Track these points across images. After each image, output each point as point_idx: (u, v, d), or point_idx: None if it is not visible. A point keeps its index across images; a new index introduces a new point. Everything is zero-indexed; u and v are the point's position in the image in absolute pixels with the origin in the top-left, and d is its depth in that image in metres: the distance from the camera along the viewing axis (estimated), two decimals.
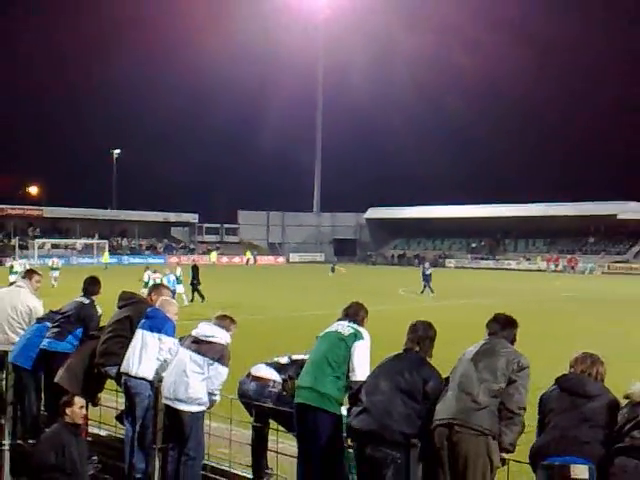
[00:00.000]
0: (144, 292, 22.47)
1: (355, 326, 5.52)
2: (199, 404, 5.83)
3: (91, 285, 7.51)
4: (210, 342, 5.91)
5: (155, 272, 26.13)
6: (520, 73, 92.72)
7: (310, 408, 5.29)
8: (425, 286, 32.49)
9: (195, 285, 26.55)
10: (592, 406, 4.23)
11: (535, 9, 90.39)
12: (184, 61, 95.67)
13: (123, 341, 6.58)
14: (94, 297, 7.45)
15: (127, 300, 7.07)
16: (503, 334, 4.92)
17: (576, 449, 4.09)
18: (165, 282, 22.65)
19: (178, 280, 25.30)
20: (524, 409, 4.62)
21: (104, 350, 6.71)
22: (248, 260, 69.96)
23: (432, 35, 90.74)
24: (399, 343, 5.28)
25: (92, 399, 6.78)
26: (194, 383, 5.78)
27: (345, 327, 5.51)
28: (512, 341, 4.95)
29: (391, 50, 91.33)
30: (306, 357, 5.82)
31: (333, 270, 52.55)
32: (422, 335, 5.09)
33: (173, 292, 23.31)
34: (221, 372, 5.88)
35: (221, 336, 6.00)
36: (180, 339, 6.23)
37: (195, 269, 27.16)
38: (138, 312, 6.69)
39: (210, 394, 5.89)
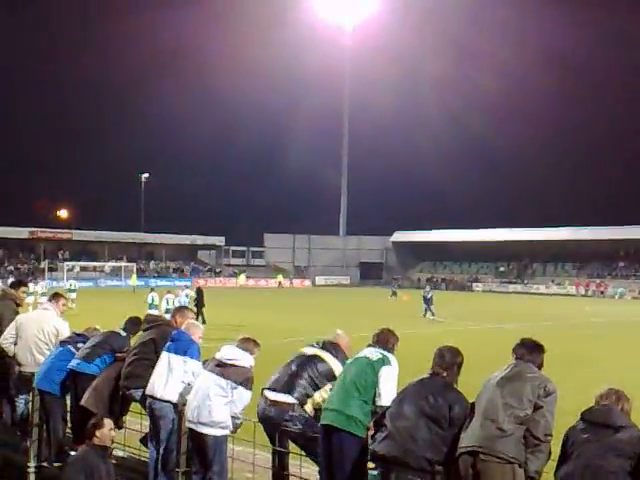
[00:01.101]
0: (150, 313, 22.95)
1: (384, 352, 5.54)
2: (222, 428, 5.81)
3: (132, 324, 7.57)
4: (234, 365, 5.91)
5: (169, 292, 26.44)
6: (550, 94, 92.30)
7: (336, 430, 5.29)
8: (426, 309, 32.63)
9: (199, 307, 26.76)
10: (618, 437, 4.15)
11: (561, 30, 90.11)
12: (211, 86, 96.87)
13: (147, 364, 6.61)
14: (132, 334, 7.52)
15: (152, 323, 7.13)
16: (530, 359, 4.83)
17: (602, 478, 4.01)
18: (177, 303, 23.32)
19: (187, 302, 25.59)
20: (551, 436, 4.53)
21: (128, 373, 6.75)
22: (280, 283, 70.22)
23: (458, 57, 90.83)
24: (423, 366, 5.24)
25: (116, 421, 6.81)
26: (217, 407, 5.77)
27: (374, 353, 5.53)
28: (539, 366, 4.86)
29: (417, 72, 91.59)
30: None
31: (395, 294, 49.80)
32: (449, 361, 5.05)
33: None
34: (245, 396, 5.87)
35: (245, 359, 5.99)
36: (204, 362, 6.24)
37: (200, 292, 27.68)
38: (162, 335, 6.73)
39: (234, 417, 5.88)
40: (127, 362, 6.83)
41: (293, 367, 6.12)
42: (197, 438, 5.87)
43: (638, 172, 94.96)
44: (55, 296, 8.56)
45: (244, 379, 5.86)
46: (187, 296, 26.94)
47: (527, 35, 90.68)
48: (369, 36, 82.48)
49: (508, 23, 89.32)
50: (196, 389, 5.96)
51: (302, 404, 5.94)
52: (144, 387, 6.46)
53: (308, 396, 5.97)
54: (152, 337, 6.84)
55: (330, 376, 6.00)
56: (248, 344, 6.18)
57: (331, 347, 6.27)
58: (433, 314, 32.11)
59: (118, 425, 6.94)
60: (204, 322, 25.90)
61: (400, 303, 45.59)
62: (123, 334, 7.46)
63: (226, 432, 5.87)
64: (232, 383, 5.82)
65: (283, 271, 78.63)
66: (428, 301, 32.97)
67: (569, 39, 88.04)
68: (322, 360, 6.11)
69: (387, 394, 5.27)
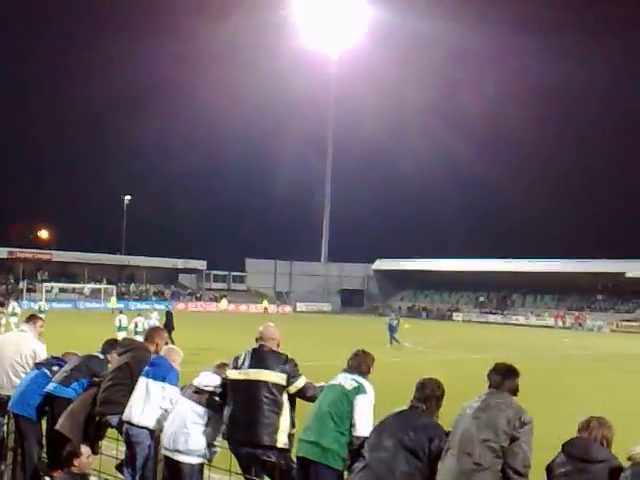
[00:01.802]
0: (119, 336, 22.97)
1: (359, 379, 5.42)
2: (199, 456, 5.74)
3: (110, 347, 7.47)
4: (212, 392, 5.85)
5: (139, 315, 26.32)
6: (529, 125, 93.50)
7: (312, 463, 5.19)
8: (391, 337, 32.52)
9: (168, 331, 26.58)
10: (596, 470, 4.15)
11: (544, 59, 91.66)
12: (196, 111, 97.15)
13: (123, 389, 6.53)
14: (109, 357, 7.40)
15: (127, 347, 7.04)
16: (504, 385, 4.79)
17: None
18: (147, 326, 23.24)
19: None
20: (529, 467, 4.51)
21: (104, 398, 6.65)
22: (266, 309, 69.92)
23: (441, 85, 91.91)
24: (403, 396, 5.21)
25: (92, 446, 6.70)
26: (194, 434, 5.70)
27: (349, 380, 5.40)
28: (514, 392, 4.82)
29: (401, 100, 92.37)
30: None
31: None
32: (429, 394, 5.00)
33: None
34: (222, 423, 5.81)
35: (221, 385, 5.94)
36: (181, 388, 6.17)
37: (169, 315, 27.78)
38: (137, 359, 6.66)
39: (210, 445, 5.80)
40: (103, 387, 6.73)
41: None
42: (173, 466, 5.78)
43: (619, 207, 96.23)
44: (32, 318, 8.44)
45: (222, 406, 5.81)
46: (157, 319, 26.77)
47: (510, 64, 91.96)
48: (354, 64, 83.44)
49: (490, 52, 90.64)
50: (173, 416, 5.89)
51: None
52: (120, 413, 6.38)
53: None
54: (127, 361, 6.74)
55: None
56: (225, 370, 6.13)
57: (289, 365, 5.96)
58: (397, 342, 32.04)
59: (94, 450, 6.83)
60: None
61: (351, 327, 45.62)
62: (101, 357, 7.37)
63: (202, 460, 5.80)
64: (210, 410, 5.76)
65: (265, 296, 78.40)
66: (392, 329, 32.98)
67: (552, 68, 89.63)
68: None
69: (363, 424, 5.18)
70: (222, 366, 6.17)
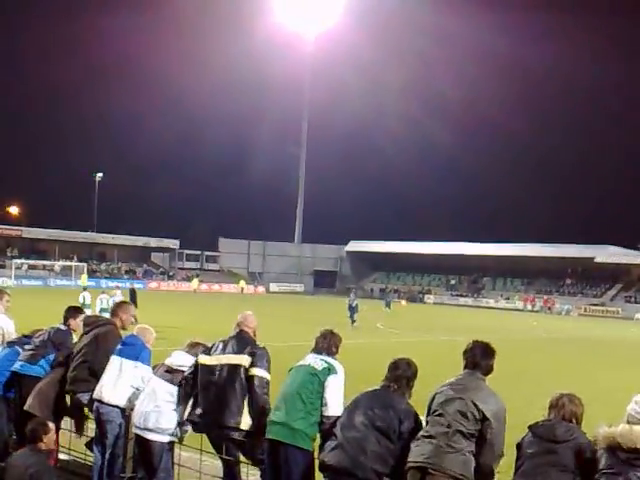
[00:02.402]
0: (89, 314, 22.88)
1: (328, 359, 5.45)
2: (169, 434, 5.76)
3: (72, 312, 7.44)
4: (183, 371, 5.86)
5: (103, 293, 26.46)
6: (506, 111, 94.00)
7: (282, 444, 5.21)
8: (351, 317, 32.95)
9: None
10: (562, 451, 4.21)
11: (524, 42, 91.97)
12: (170, 89, 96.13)
13: (92, 366, 6.52)
14: (72, 324, 7.36)
15: (92, 324, 6.97)
16: (480, 365, 4.85)
17: None
18: (111, 303, 23.28)
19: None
20: (502, 455, 4.59)
21: (74, 377, 6.62)
22: (242, 289, 69.91)
23: (420, 66, 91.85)
24: (376, 377, 5.25)
25: (58, 424, 6.71)
26: (165, 413, 5.72)
27: (318, 361, 5.43)
28: (488, 372, 4.88)
29: (378, 81, 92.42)
30: None
31: (388, 305, 49.07)
32: (401, 374, 5.04)
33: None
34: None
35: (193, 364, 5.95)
36: (153, 367, 6.17)
37: (133, 292, 28.10)
38: (104, 335, 6.65)
39: (181, 424, 5.82)
40: (72, 366, 6.70)
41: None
42: (143, 444, 5.80)
43: (591, 191, 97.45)
44: None
45: None
46: (121, 297, 26.65)
47: (490, 46, 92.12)
48: (331, 44, 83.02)
49: (471, 33, 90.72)
50: (145, 395, 5.89)
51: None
52: (90, 391, 6.36)
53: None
54: (94, 337, 6.71)
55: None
56: (197, 349, 6.13)
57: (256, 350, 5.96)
58: (354, 322, 32.42)
59: (79, 429, 6.82)
60: (135, 322, 25.88)
61: (324, 308, 46.13)
62: (63, 328, 7.30)
63: (173, 439, 5.82)
64: (182, 389, 5.78)
65: (238, 277, 78.30)
66: (353, 309, 33.33)
67: (533, 50, 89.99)
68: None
69: (334, 404, 5.22)
70: (195, 345, 6.17)
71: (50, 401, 6.66)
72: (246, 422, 5.73)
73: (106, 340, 6.54)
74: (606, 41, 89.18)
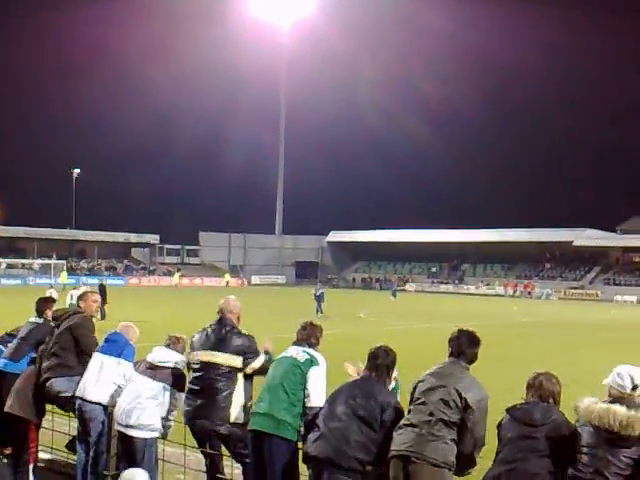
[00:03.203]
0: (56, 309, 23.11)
1: (310, 351, 5.47)
2: (152, 430, 5.76)
3: (41, 304, 7.44)
4: (166, 367, 5.84)
5: (74, 289, 27.41)
6: (482, 97, 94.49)
7: (266, 435, 5.24)
8: (318, 307, 33.34)
9: (101, 303, 27.06)
10: (540, 435, 4.24)
11: (498, 37, 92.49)
12: (146, 82, 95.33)
13: (67, 353, 6.52)
14: (47, 315, 7.35)
15: (61, 317, 6.93)
16: (465, 353, 4.86)
17: None
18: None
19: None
20: (483, 444, 4.62)
21: (49, 365, 6.58)
22: (227, 282, 69.69)
23: (395, 59, 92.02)
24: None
25: (39, 420, 6.68)
26: (147, 409, 5.71)
27: (300, 352, 5.45)
28: (472, 360, 4.90)
29: (354, 72, 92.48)
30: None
31: (395, 295, 50.81)
32: (381, 362, 5.06)
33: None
34: (177, 398, 5.82)
35: (177, 360, 5.94)
36: (135, 364, 6.15)
37: (102, 288, 28.42)
38: (75, 322, 6.64)
39: (164, 419, 5.81)
40: (47, 356, 6.66)
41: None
42: (126, 441, 5.79)
43: (568, 175, 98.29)
44: None
45: (177, 380, 5.81)
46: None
47: (463, 39, 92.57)
48: (306, 35, 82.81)
49: (445, 26, 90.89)
50: (127, 391, 5.87)
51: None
52: (65, 375, 6.39)
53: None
54: (67, 326, 6.68)
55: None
56: (178, 344, 6.12)
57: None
58: (321, 312, 32.58)
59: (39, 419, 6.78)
60: (103, 317, 25.92)
61: (308, 298, 46.13)
62: (40, 321, 7.27)
63: (155, 434, 5.81)
64: (165, 385, 5.76)
65: (220, 270, 78.08)
66: (318, 298, 33.74)
67: (506, 44, 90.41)
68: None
69: (317, 395, 5.25)
70: (175, 340, 6.15)
71: (30, 399, 6.61)
72: (234, 415, 5.78)
73: (78, 326, 6.59)
74: (577, 32, 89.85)
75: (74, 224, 79.15)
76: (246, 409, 5.77)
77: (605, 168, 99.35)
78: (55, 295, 25.46)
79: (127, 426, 5.73)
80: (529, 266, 75.49)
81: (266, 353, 5.95)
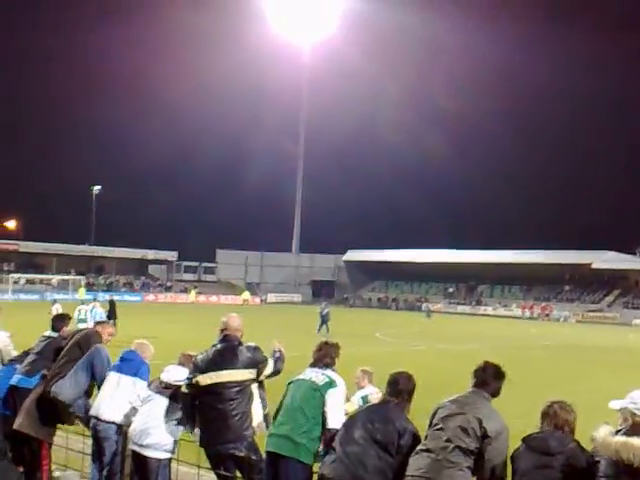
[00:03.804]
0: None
1: (328, 372, 5.47)
2: (166, 451, 5.74)
3: (58, 322, 7.55)
4: (181, 386, 5.85)
5: (82, 304, 27.62)
6: (503, 117, 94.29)
7: (282, 457, 5.21)
8: (322, 325, 34.11)
9: (109, 319, 27.65)
10: (556, 464, 4.19)
11: (519, 53, 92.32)
12: (166, 101, 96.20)
13: (74, 365, 6.57)
14: (63, 332, 7.45)
15: (72, 334, 7.05)
16: (489, 386, 4.82)
17: None
18: (89, 315, 24.52)
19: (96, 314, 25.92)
20: (502, 478, 4.54)
21: (53, 374, 6.62)
22: (245, 301, 69.54)
23: (416, 76, 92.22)
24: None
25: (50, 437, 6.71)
26: (162, 429, 5.70)
27: (319, 375, 5.44)
28: (495, 394, 4.85)
29: (374, 92, 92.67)
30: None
31: (429, 315, 52.54)
32: (402, 388, 5.04)
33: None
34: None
35: None
36: (149, 384, 6.14)
37: (112, 304, 29.12)
38: (85, 337, 6.75)
39: (177, 441, 5.82)
40: (53, 368, 6.71)
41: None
42: (140, 460, 5.77)
43: (588, 198, 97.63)
44: None
45: None
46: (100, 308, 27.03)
47: (485, 57, 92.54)
48: (327, 55, 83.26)
49: (466, 44, 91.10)
50: (142, 411, 5.86)
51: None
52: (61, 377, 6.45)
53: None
54: (76, 341, 6.78)
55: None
56: (188, 360, 6.10)
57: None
58: (328, 330, 33.12)
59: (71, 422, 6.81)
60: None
61: (427, 324, 47.00)
62: (54, 335, 7.34)
63: (169, 455, 5.80)
64: (178, 405, 5.77)
65: (236, 287, 78.14)
66: (324, 317, 34.41)
67: (526, 61, 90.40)
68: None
69: (335, 417, 5.24)
70: (187, 358, 6.12)
71: (38, 417, 6.61)
72: (257, 427, 5.81)
73: (87, 341, 6.70)
74: (602, 50, 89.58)
75: (93, 240, 79.82)
76: (267, 418, 5.74)
77: (626, 189, 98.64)
78: (60, 310, 25.79)
79: (142, 446, 5.72)
80: (547, 288, 74.84)
81: (275, 354, 5.98)
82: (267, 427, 5.74)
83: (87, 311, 25.21)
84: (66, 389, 6.43)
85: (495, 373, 4.90)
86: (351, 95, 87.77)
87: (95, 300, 30.56)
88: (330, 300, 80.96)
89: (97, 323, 7.42)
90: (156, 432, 5.69)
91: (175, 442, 5.79)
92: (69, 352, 6.73)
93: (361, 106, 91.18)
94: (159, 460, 5.72)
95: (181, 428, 5.80)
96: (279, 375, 6.00)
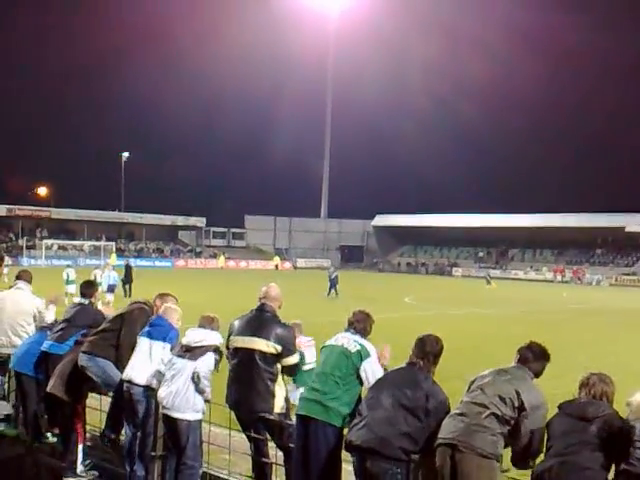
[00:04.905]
0: (67, 289, 23.49)
1: (360, 340, 5.47)
2: (195, 412, 5.82)
3: (87, 288, 7.64)
4: (203, 346, 5.89)
5: (96, 269, 28.14)
6: (532, 82, 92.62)
7: (313, 420, 5.27)
8: (330, 288, 34.28)
9: (125, 282, 28.93)
10: (592, 429, 4.17)
11: (551, 18, 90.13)
12: (194, 67, 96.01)
13: (109, 337, 6.63)
14: (92, 298, 7.60)
15: (132, 304, 7.12)
16: (532, 365, 4.78)
17: (577, 475, 4.04)
18: (105, 279, 25.03)
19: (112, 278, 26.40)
20: (537, 454, 4.53)
21: (87, 346, 6.69)
22: (277, 266, 70.10)
23: (445, 42, 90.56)
24: (403, 352, 5.24)
25: (82, 400, 6.81)
26: (190, 392, 5.78)
27: (351, 342, 5.45)
28: (538, 374, 4.81)
29: (402, 56, 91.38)
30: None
31: (489, 282, 52.14)
32: (429, 350, 5.02)
33: (113, 286, 25.77)
34: (209, 360, 5.89)
35: (212, 338, 6.00)
36: (171, 349, 6.17)
37: (128, 268, 29.75)
38: (132, 312, 6.75)
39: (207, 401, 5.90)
40: (89, 337, 6.79)
41: None
42: (171, 423, 5.86)
43: (618, 161, 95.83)
44: (25, 274, 8.40)
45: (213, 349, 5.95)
46: (114, 272, 27.45)
47: (517, 21, 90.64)
48: (355, 21, 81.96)
49: (497, 8, 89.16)
50: (169, 375, 5.92)
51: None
52: (96, 355, 6.51)
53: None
54: (121, 313, 6.86)
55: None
56: (208, 321, 6.17)
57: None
58: (337, 294, 33.55)
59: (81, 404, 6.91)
60: (129, 296, 26.66)
61: (492, 289, 47.03)
62: (85, 302, 7.45)
63: (199, 416, 5.87)
64: (205, 366, 5.85)
65: (265, 253, 78.57)
66: (333, 281, 34.51)
67: (560, 26, 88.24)
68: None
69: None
70: (210, 320, 6.18)
71: (71, 381, 6.72)
72: (279, 405, 5.93)
73: (132, 319, 6.68)
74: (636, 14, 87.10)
75: (123, 207, 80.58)
76: (287, 400, 5.84)
77: None
78: (72, 275, 26.17)
79: (172, 408, 5.80)
80: (580, 252, 74.01)
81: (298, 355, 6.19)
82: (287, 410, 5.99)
83: (102, 275, 25.78)
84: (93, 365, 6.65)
85: (540, 352, 4.86)
86: (379, 61, 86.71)
87: (108, 264, 31.14)
88: (359, 265, 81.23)
89: (158, 296, 7.31)
90: (184, 395, 5.75)
91: (203, 403, 5.85)
92: (108, 324, 6.85)
93: (389, 72, 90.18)
94: (189, 422, 5.79)
95: (208, 390, 5.84)
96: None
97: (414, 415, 4.74)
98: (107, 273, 26.33)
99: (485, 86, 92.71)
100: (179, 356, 5.92)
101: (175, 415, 5.79)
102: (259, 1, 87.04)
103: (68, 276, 26.15)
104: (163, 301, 6.86)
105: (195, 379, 5.74)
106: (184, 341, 6.02)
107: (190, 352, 5.88)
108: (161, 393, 5.91)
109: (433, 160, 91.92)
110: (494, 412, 4.48)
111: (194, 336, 5.99)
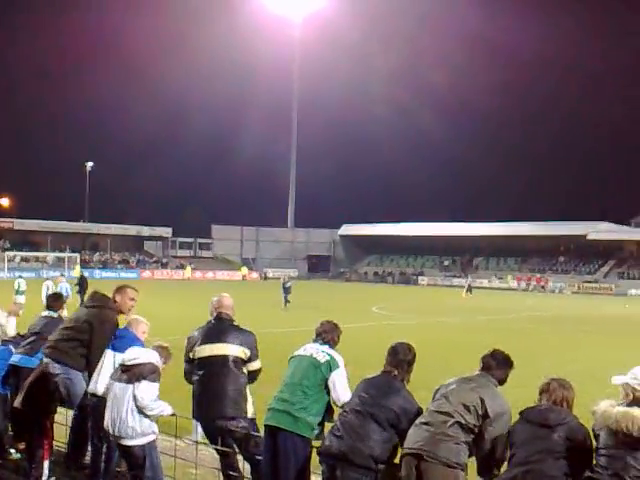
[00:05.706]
0: (17, 299, 23.29)
1: (329, 351, 5.48)
2: (146, 435, 5.49)
3: (55, 301, 7.58)
4: (137, 365, 5.57)
5: (47, 280, 27.24)
6: (493, 91, 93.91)
7: (281, 431, 5.25)
8: (285, 299, 33.54)
9: (80, 292, 28.24)
10: (555, 437, 4.20)
11: (507, 28, 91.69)
12: (158, 75, 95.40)
13: (78, 346, 6.39)
14: (60, 311, 7.53)
15: (94, 302, 6.76)
16: (495, 373, 4.81)
17: None
18: (59, 290, 23.93)
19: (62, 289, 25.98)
20: (501, 461, 4.55)
21: (52, 345, 6.48)
22: (244, 276, 69.78)
23: (407, 50, 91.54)
24: (371, 361, 5.27)
25: (50, 416, 6.69)
26: (136, 416, 5.44)
27: (320, 352, 5.46)
28: (502, 381, 4.84)
29: (367, 65, 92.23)
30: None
31: (470, 291, 51.57)
32: (402, 358, 5.07)
33: (66, 298, 25.16)
34: (149, 389, 5.45)
35: (146, 356, 5.66)
36: (114, 372, 5.85)
37: (82, 279, 29.64)
38: (99, 319, 6.45)
39: (145, 411, 5.47)
40: (54, 335, 6.58)
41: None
42: (123, 449, 5.58)
43: (582, 169, 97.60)
44: None
45: (148, 373, 5.50)
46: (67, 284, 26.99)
47: (477, 32, 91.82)
48: (318, 28, 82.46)
49: (457, 19, 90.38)
50: (110, 402, 5.58)
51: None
52: (67, 365, 6.29)
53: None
54: (89, 320, 6.47)
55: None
56: (163, 352, 5.89)
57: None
58: (287, 302, 33.01)
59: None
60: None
61: (467, 299, 46.91)
62: (54, 315, 7.33)
63: (152, 437, 5.54)
64: (136, 382, 5.48)
65: (233, 263, 78.16)
66: (286, 290, 33.89)
67: (518, 35, 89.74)
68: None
69: (344, 393, 5.27)
70: (161, 348, 5.92)
71: (39, 396, 6.53)
72: (250, 410, 5.94)
73: (102, 324, 6.40)
74: (590, 23, 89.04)
75: (87, 217, 79.56)
76: (254, 405, 5.84)
77: (620, 161, 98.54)
78: (23, 285, 25.85)
79: (119, 437, 5.47)
80: (543, 260, 75.07)
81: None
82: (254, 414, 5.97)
83: (54, 287, 25.16)
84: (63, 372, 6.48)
85: (503, 360, 4.90)
86: (343, 68, 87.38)
87: (61, 275, 30.86)
88: (326, 274, 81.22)
89: (116, 290, 7.02)
90: (131, 421, 5.43)
91: (154, 424, 5.57)
92: (76, 325, 6.62)
93: (354, 79, 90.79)
94: (142, 446, 5.46)
95: (157, 409, 5.52)
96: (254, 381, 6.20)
97: (385, 424, 4.76)
98: (61, 285, 25.92)
99: (448, 95, 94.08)
100: (118, 380, 5.57)
101: (125, 443, 5.47)
102: (223, 8, 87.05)
103: (19, 286, 25.87)
104: (122, 295, 6.66)
105: (141, 410, 5.41)
106: (120, 361, 5.75)
107: (127, 372, 5.54)
108: (105, 421, 5.55)
109: (399, 170, 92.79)
110: (458, 421, 4.50)
111: (129, 354, 5.68)
